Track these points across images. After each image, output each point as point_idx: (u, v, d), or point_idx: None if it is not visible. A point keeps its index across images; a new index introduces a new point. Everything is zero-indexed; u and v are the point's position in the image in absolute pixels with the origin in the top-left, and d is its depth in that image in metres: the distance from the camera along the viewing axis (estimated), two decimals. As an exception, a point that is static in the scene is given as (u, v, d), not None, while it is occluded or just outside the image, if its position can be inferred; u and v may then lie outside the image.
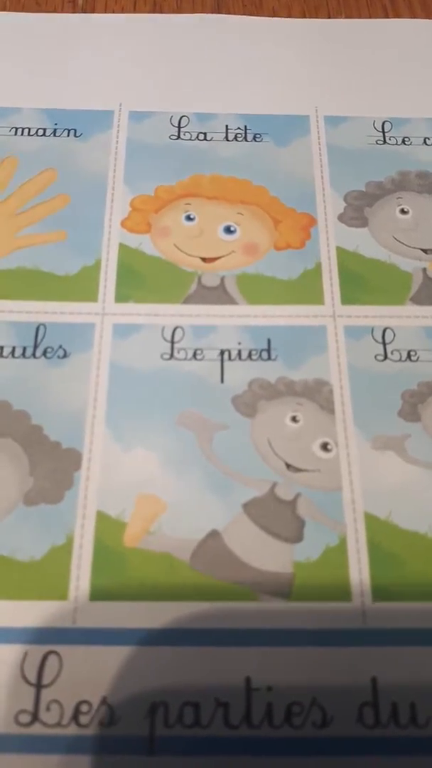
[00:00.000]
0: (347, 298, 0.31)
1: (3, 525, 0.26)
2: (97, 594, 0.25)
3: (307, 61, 0.39)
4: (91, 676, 0.24)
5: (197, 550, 0.26)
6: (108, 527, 0.26)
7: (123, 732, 0.23)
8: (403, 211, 0.34)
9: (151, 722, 0.23)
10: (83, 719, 0.23)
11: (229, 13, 0.40)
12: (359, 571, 0.26)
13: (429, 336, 0.31)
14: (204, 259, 0.32)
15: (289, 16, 0.41)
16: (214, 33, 0.39)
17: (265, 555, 0.26)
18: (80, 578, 0.25)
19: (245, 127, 0.36)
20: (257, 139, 0.36)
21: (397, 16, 0.41)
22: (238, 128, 0.36)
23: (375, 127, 0.36)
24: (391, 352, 0.30)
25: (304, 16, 0.41)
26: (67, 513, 0.27)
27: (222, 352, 0.30)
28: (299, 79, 0.38)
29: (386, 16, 0.41)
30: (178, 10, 0.40)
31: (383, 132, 0.36)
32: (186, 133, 0.36)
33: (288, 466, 0.28)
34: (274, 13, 0.41)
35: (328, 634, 0.25)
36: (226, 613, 0.25)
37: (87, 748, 0.23)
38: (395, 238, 0.33)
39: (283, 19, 0.40)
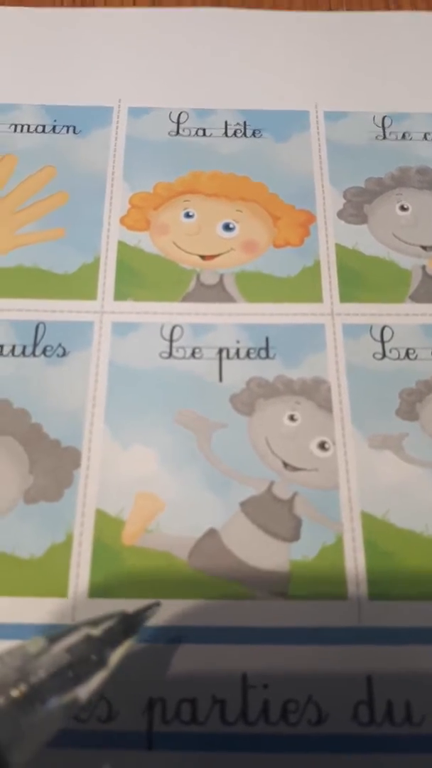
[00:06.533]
0: (346, 296, 0.31)
1: (4, 523, 0.27)
2: (96, 591, 0.25)
3: (308, 55, 0.38)
4: (90, 672, 0.24)
5: (195, 548, 0.26)
6: (107, 525, 0.27)
7: (121, 727, 0.23)
8: (402, 208, 0.34)
9: (149, 718, 0.24)
10: (81, 714, 0.24)
11: (228, 7, 0.40)
12: (355, 570, 0.26)
13: (427, 334, 0.31)
14: (203, 257, 0.32)
15: (290, 8, 0.40)
16: (213, 27, 0.39)
17: (262, 553, 0.26)
18: (80, 576, 0.26)
19: (244, 122, 0.36)
20: (257, 135, 0.36)
21: (399, 8, 0.41)
22: (238, 124, 0.36)
23: (375, 123, 0.36)
24: (390, 351, 0.30)
25: (304, 9, 0.40)
26: (66, 511, 0.27)
27: (220, 351, 0.30)
28: (299, 74, 0.38)
29: (387, 9, 0.41)
30: (178, 4, 0.40)
31: (383, 127, 0.36)
32: (185, 129, 0.36)
33: (285, 464, 0.28)
34: (274, 6, 0.41)
35: (324, 631, 0.25)
36: (223, 610, 0.25)
37: (85, 743, 0.23)
38: (395, 235, 0.33)
39: (283, 12, 0.40)
